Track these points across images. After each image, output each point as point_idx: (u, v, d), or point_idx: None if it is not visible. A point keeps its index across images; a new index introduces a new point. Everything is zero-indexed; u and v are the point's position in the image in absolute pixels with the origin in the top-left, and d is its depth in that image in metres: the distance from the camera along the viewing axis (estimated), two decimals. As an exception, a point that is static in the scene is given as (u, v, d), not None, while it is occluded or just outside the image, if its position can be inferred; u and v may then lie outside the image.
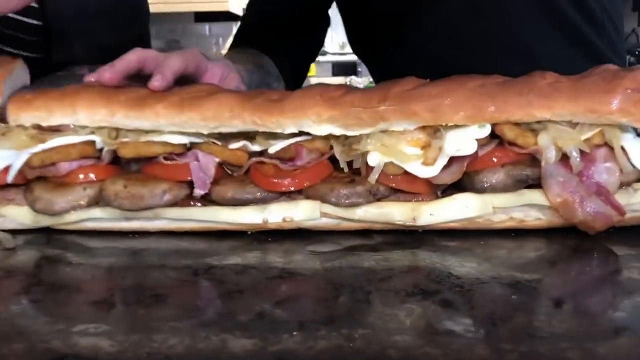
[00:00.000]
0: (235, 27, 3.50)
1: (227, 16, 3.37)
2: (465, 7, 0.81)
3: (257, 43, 0.91)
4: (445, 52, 0.82)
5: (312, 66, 3.53)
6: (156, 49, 0.68)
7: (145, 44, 0.96)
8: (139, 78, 0.57)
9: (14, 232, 0.53)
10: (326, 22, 1.03)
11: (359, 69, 3.27)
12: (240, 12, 3.43)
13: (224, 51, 3.34)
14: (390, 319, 0.39)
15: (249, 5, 1.02)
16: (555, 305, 0.42)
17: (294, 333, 0.37)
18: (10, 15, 0.83)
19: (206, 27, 3.52)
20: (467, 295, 0.42)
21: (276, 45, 0.92)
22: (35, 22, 0.87)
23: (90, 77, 0.55)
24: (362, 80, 3.26)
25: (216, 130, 0.51)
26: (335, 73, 3.47)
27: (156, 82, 0.53)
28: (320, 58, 3.31)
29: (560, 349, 0.35)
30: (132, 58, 0.57)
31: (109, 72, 0.54)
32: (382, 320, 0.39)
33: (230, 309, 0.42)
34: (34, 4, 0.85)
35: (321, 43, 1.06)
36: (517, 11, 0.80)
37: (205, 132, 0.51)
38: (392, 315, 0.39)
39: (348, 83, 3.26)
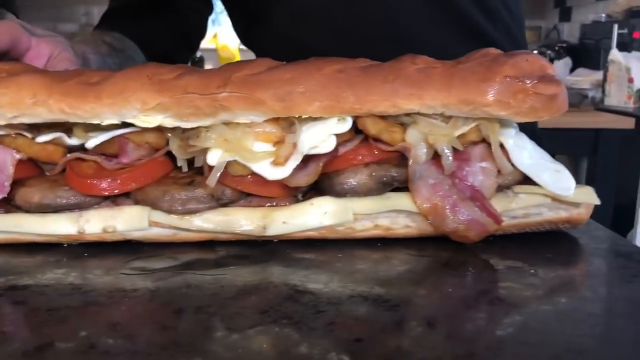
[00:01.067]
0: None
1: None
2: None
3: (120, 27, 0.81)
4: (317, 40, 0.74)
5: (236, 53, 3.42)
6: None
7: None
8: None
9: None
10: (207, 9, 0.95)
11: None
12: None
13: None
14: (238, 346, 0.31)
15: None
16: (427, 326, 0.35)
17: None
18: None
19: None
20: (326, 315, 0.35)
21: (144, 30, 0.83)
22: None
23: None
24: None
25: (16, 121, 0.41)
26: (259, 61, 3.36)
27: None
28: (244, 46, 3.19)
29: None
30: None
31: None
32: (227, 347, 0.31)
33: (47, 336, 0.33)
34: None
35: (202, 31, 0.97)
36: None
37: (2, 122, 0.41)
38: (240, 341, 0.31)
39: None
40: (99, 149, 0.43)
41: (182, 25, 0.92)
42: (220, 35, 3.32)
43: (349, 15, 0.73)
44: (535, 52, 2.41)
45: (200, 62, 3.36)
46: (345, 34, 0.74)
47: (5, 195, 0.41)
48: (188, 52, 0.97)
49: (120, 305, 0.37)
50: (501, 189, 0.43)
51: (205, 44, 3.37)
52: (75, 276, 0.40)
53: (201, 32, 0.99)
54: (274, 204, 0.43)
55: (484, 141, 0.43)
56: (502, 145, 0.42)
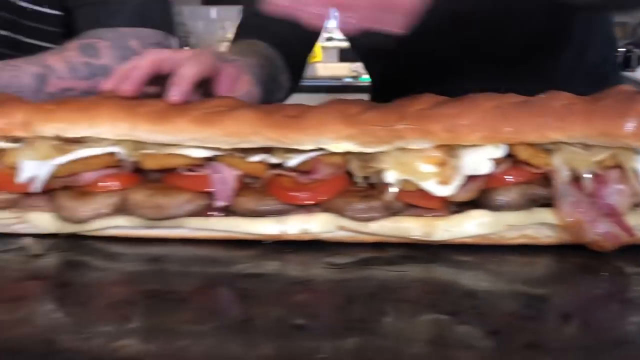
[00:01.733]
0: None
1: (233, 0, 3.35)
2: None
3: (260, 34, 0.88)
4: (448, 53, 0.82)
5: (319, 51, 3.53)
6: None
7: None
8: (155, 80, 0.58)
9: (37, 238, 0.55)
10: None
11: (365, 56, 3.27)
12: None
13: (230, 34, 3.32)
14: (403, 329, 0.41)
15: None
16: (563, 320, 0.44)
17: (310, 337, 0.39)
18: (30, 6, 0.84)
19: (213, 11, 3.50)
20: (479, 308, 0.44)
21: (281, 36, 0.89)
22: (55, 12, 0.87)
23: (108, 85, 0.57)
24: (368, 66, 3.25)
25: (236, 146, 0.52)
26: (341, 59, 3.46)
27: (174, 97, 0.55)
28: (327, 43, 3.30)
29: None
30: (147, 65, 0.58)
31: (128, 85, 0.55)
32: (394, 329, 0.41)
33: (249, 314, 0.44)
34: None
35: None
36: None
37: (226, 147, 0.52)
38: (404, 325, 0.41)
39: (354, 69, 3.25)
40: (293, 168, 0.54)
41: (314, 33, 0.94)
42: (304, 35, 3.44)
43: (482, 33, 0.81)
44: (622, 49, 2.37)
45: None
46: (475, 48, 0.82)
47: (227, 204, 0.53)
48: (310, 53, 1.01)
49: (310, 292, 0.47)
50: (633, 207, 0.51)
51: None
52: (275, 266, 0.51)
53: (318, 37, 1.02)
54: (435, 214, 0.53)
55: (619, 166, 0.51)
56: (634, 170, 0.50)
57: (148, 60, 0.58)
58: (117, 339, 0.39)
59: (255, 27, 0.91)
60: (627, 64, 2.61)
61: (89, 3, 0.84)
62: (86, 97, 0.54)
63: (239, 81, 0.66)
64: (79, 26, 0.85)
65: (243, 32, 0.92)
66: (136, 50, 0.82)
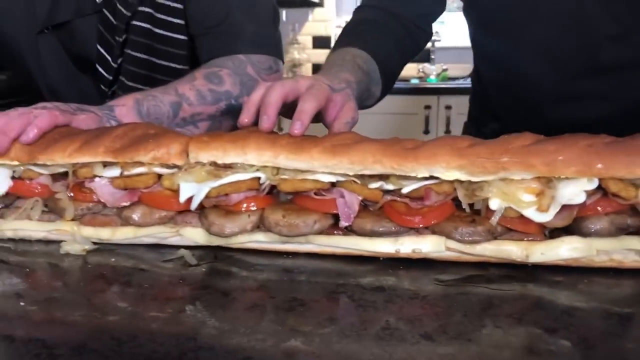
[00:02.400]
0: (310, 13, 3.59)
1: (303, 2, 3.46)
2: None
3: (364, 44, 0.93)
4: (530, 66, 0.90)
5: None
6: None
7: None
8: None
9: (190, 249, 0.66)
10: (429, 34, 1.08)
11: (432, 57, 3.31)
12: (316, 0, 3.51)
13: (300, 36, 3.40)
14: (498, 337, 0.49)
15: (366, 4, 1.04)
16: None
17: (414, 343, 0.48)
18: (164, 33, 0.96)
19: (283, 13, 3.62)
20: (569, 322, 0.51)
21: (386, 49, 0.96)
22: (182, 37, 0.98)
23: (245, 121, 0.67)
24: (435, 67, 3.30)
25: (360, 173, 0.61)
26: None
27: (296, 130, 0.64)
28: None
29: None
30: (277, 101, 0.67)
31: (267, 123, 0.65)
32: (490, 337, 0.49)
33: (362, 320, 0.53)
34: (180, 21, 0.96)
35: (418, 50, 1.08)
36: None
37: (351, 173, 0.61)
38: (500, 333, 0.49)
39: (421, 69, 3.31)
40: (407, 194, 0.62)
41: (406, 43, 1.02)
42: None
43: (563, 46, 0.88)
44: None
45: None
46: (557, 62, 0.89)
47: (350, 224, 0.62)
48: (403, 67, 1.05)
49: (417, 303, 0.55)
50: None
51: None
52: (391, 281, 0.60)
53: (417, 51, 1.06)
54: (531, 239, 0.60)
55: None
56: None
57: (276, 97, 0.68)
58: (249, 336, 0.49)
59: (360, 36, 0.96)
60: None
61: (210, 32, 0.95)
62: (238, 131, 0.64)
63: (345, 108, 0.74)
64: (202, 51, 0.97)
65: (348, 38, 0.96)
66: (252, 75, 0.93)
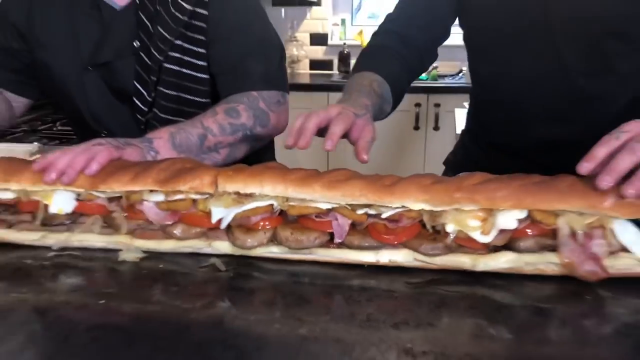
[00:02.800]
0: (308, 12, 3.74)
1: (301, 1, 3.62)
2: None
3: (382, 68, 1.10)
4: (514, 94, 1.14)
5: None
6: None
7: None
8: None
9: (219, 257, 0.86)
10: (435, 56, 1.24)
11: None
12: (313, -1, 3.67)
13: (298, 34, 3.56)
14: (452, 326, 0.69)
15: (385, 28, 1.20)
16: (561, 324, 0.71)
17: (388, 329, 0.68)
18: (190, 72, 1.15)
19: (282, 11, 3.78)
20: (506, 314, 0.71)
21: (399, 73, 1.13)
22: (205, 76, 1.17)
23: (290, 142, 0.86)
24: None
25: (350, 202, 0.81)
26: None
27: (328, 147, 0.84)
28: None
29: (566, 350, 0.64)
30: (313, 127, 0.87)
31: (304, 143, 0.84)
32: (445, 325, 0.69)
33: (350, 312, 0.73)
34: (203, 63, 1.15)
35: (424, 70, 1.26)
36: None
37: (343, 203, 0.81)
38: (453, 323, 0.70)
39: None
40: (385, 218, 0.82)
41: (414, 65, 1.17)
42: (365, 33, 3.69)
43: (544, 78, 1.08)
44: None
45: (347, 57, 3.74)
46: (540, 90, 1.09)
47: (342, 240, 0.82)
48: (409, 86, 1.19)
49: (392, 300, 0.75)
50: (611, 254, 0.77)
51: (350, 40, 3.76)
52: (373, 283, 0.80)
53: (423, 71, 1.21)
54: (478, 253, 0.80)
55: (602, 226, 0.77)
56: (612, 230, 0.76)
57: (313, 124, 0.87)
58: (266, 324, 0.69)
59: (376, 61, 1.13)
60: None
61: (228, 73, 1.14)
62: (256, 166, 0.84)
63: (366, 130, 0.91)
64: (221, 88, 1.16)
65: (365, 63, 1.13)
66: (263, 109, 1.12)
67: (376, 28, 1.22)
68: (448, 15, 1.17)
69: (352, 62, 1.31)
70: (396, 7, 1.21)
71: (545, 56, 1.07)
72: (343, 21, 3.77)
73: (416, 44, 1.18)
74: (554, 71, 1.08)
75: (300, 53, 3.77)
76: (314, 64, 3.89)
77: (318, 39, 3.88)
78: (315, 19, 3.83)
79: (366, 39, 1.28)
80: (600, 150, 0.77)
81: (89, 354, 0.66)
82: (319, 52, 3.88)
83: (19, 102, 1.30)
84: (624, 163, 0.74)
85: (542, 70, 1.09)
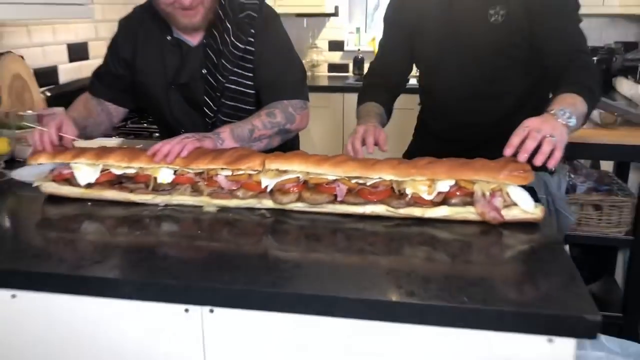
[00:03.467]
0: (327, 21, 4.22)
1: (321, 13, 4.11)
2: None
3: (378, 97, 1.72)
4: (444, 89, 1.68)
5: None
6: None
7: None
8: None
9: (267, 210, 1.37)
10: (406, 83, 1.84)
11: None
12: (331, 11, 4.16)
13: (317, 41, 4.06)
14: (410, 253, 1.18)
15: (372, 75, 1.81)
16: (478, 251, 1.20)
17: (369, 255, 1.17)
18: (241, 88, 1.66)
19: (304, 21, 4.28)
20: (445, 241, 1.20)
21: (388, 100, 1.74)
22: (252, 91, 1.69)
23: (349, 153, 1.38)
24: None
25: (346, 175, 1.30)
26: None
27: (370, 150, 1.37)
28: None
29: (483, 268, 1.13)
30: (359, 145, 1.43)
31: (360, 157, 1.36)
32: (407, 253, 1.18)
33: (347, 245, 1.23)
34: (251, 83, 1.67)
35: (400, 93, 1.86)
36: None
37: (343, 176, 1.31)
38: (412, 252, 1.19)
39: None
40: (370, 185, 1.32)
41: (395, 92, 1.78)
42: (377, 40, 4.16)
43: (461, 82, 1.61)
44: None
45: (361, 61, 4.22)
46: (459, 89, 1.62)
47: (342, 199, 1.32)
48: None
49: (374, 236, 1.25)
50: (505, 207, 1.26)
51: (364, 46, 4.26)
52: (362, 225, 1.30)
53: (400, 93, 1.83)
54: (427, 206, 1.30)
55: (501, 190, 1.25)
56: (507, 192, 1.25)
57: (359, 143, 1.43)
58: (294, 252, 1.19)
59: (372, 95, 1.73)
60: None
61: (267, 87, 1.65)
62: (288, 152, 1.34)
63: (381, 133, 1.47)
64: (262, 98, 1.66)
65: (366, 96, 1.73)
66: (292, 112, 1.62)
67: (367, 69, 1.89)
68: (409, 60, 1.79)
69: (366, 66, 1.89)
70: (376, 58, 1.83)
71: (462, 72, 1.62)
72: (358, 29, 4.26)
73: (393, 79, 1.80)
74: (467, 80, 1.63)
75: (320, 58, 4.27)
76: (332, 68, 4.39)
77: (335, 45, 4.38)
78: (333, 28, 4.32)
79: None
80: (515, 140, 1.25)
81: (179, 273, 1.15)
82: (336, 57, 4.38)
83: (118, 112, 1.81)
84: (531, 145, 1.22)
85: (460, 81, 1.64)
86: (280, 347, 1.04)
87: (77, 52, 2.54)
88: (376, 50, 1.86)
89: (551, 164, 1.20)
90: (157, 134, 2.39)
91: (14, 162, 1.78)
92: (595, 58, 3.42)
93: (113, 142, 1.94)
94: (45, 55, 2.34)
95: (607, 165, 2.92)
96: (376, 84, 1.76)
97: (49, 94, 2.29)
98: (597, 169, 2.84)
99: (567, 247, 2.69)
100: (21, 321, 1.11)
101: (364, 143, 1.47)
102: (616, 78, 3.37)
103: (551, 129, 1.22)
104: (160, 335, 1.08)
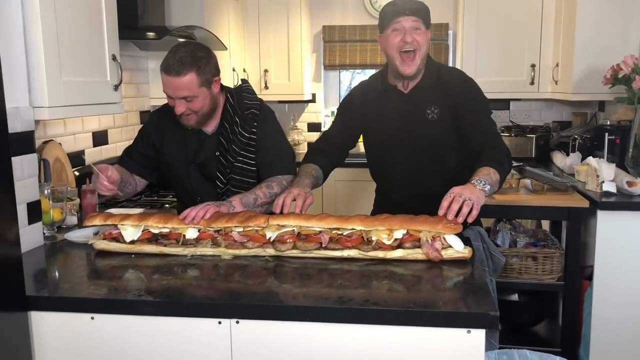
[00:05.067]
0: (306, 106, 4.81)
1: (300, 100, 4.71)
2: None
3: (319, 160, 2.19)
4: (395, 157, 2.17)
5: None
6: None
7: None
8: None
9: (270, 257, 1.83)
10: (346, 155, 2.33)
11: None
12: (309, 98, 4.77)
13: (298, 123, 4.65)
14: (377, 285, 1.65)
15: (320, 142, 2.33)
16: (426, 282, 1.67)
17: (345, 288, 1.64)
18: (246, 166, 2.16)
19: (286, 106, 4.88)
20: (402, 279, 1.67)
21: (328, 163, 2.23)
22: (254, 168, 2.19)
23: (277, 210, 1.86)
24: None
25: (329, 227, 1.79)
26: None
27: (298, 210, 1.84)
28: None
29: (431, 295, 1.61)
30: (289, 202, 1.89)
31: (286, 211, 1.84)
32: (374, 286, 1.66)
33: (330, 281, 1.69)
34: (253, 162, 2.18)
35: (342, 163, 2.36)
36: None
37: (326, 228, 1.79)
38: (378, 285, 1.66)
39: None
40: (346, 234, 1.80)
41: (339, 162, 2.30)
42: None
43: (411, 148, 2.13)
44: (569, 135, 3.55)
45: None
46: (405, 166, 2.13)
47: (325, 245, 1.80)
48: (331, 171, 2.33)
49: (348, 274, 1.72)
50: (443, 248, 1.74)
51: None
52: (338, 265, 1.76)
53: (339, 164, 2.36)
54: (386, 249, 1.77)
55: (439, 236, 1.74)
56: (444, 238, 1.74)
57: (289, 200, 1.89)
58: (294, 288, 1.66)
59: (314, 158, 2.23)
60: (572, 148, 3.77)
61: (266, 166, 2.15)
62: (285, 213, 1.82)
63: (308, 200, 1.94)
64: (262, 173, 2.16)
65: (308, 159, 2.21)
66: (285, 184, 2.11)
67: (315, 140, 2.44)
68: (349, 144, 2.30)
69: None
70: (326, 132, 2.37)
71: (407, 156, 2.15)
72: (332, 113, 4.85)
73: (334, 154, 2.29)
74: (412, 162, 2.15)
75: (300, 138, 4.82)
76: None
77: (313, 127, 4.93)
78: (311, 112, 4.90)
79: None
80: (444, 203, 1.76)
81: (199, 305, 1.61)
82: (314, 137, 4.92)
83: (142, 183, 2.29)
84: (455, 207, 1.72)
85: (406, 163, 2.16)
86: (289, 346, 1.48)
87: (100, 138, 3.04)
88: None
89: (470, 220, 1.71)
90: (167, 205, 2.87)
91: (60, 227, 2.23)
92: (534, 135, 4.04)
93: (136, 211, 2.40)
94: (76, 141, 2.83)
95: (545, 224, 3.46)
96: (320, 150, 2.24)
97: (77, 173, 2.76)
98: (537, 228, 3.37)
99: (515, 295, 3.18)
100: (100, 339, 1.54)
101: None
102: (553, 152, 3.97)
103: (469, 193, 1.73)
104: (199, 344, 1.51)
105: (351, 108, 2.26)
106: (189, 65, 1.96)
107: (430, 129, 2.09)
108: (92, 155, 2.98)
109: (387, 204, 2.27)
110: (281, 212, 1.87)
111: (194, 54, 1.99)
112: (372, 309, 1.43)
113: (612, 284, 2.72)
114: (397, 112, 2.13)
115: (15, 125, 1.85)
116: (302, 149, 4.88)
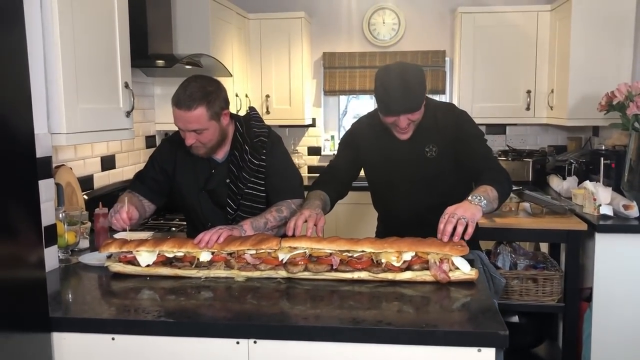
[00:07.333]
0: (306, 131, 4.89)
1: (301, 125, 4.79)
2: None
3: (326, 189, 2.23)
4: (401, 183, 2.24)
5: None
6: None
7: None
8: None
9: (281, 279, 1.88)
10: (350, 187, 2.38)
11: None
12: (309, 122, 4.85)
13: (299, 147, 4.74)
14: (386, 306, 1.71)
15: (325, 174, 2.38)
16: (434, 303, 1.73)
17: (355, 309, 1.70)
18: (255, 192, 2.22)
19: (287, 130, 4.96)
20: (412, 300, 1.72)
21: (334, 193, 2.28)
22: (263, 194, 2.25)
23: (289, 232, 1.92)
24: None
25: (339, 250, 1.85)
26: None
27: (309, 232, 1.89)
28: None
29: (439, 315, 1.67)
30: (300, 223, 1.94)
31: (298, 233, 1.90)
32: (385, 306, 1.71)
33: (340, 302, 1.75)
34: (262, 188, 2.24)
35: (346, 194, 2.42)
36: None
37: (336, 250, 1.85)
38: (388, 306, 1.71)
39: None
40: (356, 256, 1.86)
41: (345, 191, 2.36)
42: (350, 146, 4.83)
43: (412, 185, 2.19)
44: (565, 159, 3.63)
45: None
46: (410, 194, 2.20)
47: (336, 267, 1.85)
48: (339, 200, 2.35)
49: (359, 295, 1.77)
50: (451, 270, 1.80)
51: (339, 151, 4.73)
52: (349, 286, 1.82)
53: (344, 194, 2.42)
54: (396, 271, 1.83)
55: (447, 258, 1.81)
56: (452, 261, 1.80)
57: (300, 222, 1.94)
58: (304, 309, 1.71)
59: (322, 186, 2.29)
60: (568, 172, 3.86)
61: (277, 191, 2.21)
62: (297, 236, 1.88)
63: (321, 220, 2.00)
64: (271, 198, 2.22)
65: (317, 186, 2.26)
66: (294, 208, 2.17)
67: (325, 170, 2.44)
68: (352, 177, 2.36)
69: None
70: (331, 163, 2.39)
71: (408, 191, 2.23)
72: (332, 137, 4.94)
73: (339, 185, 2.33)
74: (413, 197, 2.22)
75: (301, 162, 4.89)
76: (311, 170, 5.02)
77: (314, 150, 5.01)
78: (311, 136, 4.99)
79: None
80: (440, 224, 1.82)
81: (217, 326, 1.66)
82: (314, 160, 5.01)
83: (150, 208, 2.34)
84: (448, 229, 1.79)
85: (407, 197, 2.22)
86: (302, 365, 1.53)
87: (108, 163, 3.10)
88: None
89: (466, 237, 1.78)
90: (173, 228, 2.91)
91: (73, 250, 2.27)
92: (531, 160, 4.13)
93: (145, 234, 2.45)
94: (85, 166, 2.88)
95: (544, 247, 3.52)
96: (327, 181, 2.31)
97: (86, 197, 2.81)
98: (536, 250, 3.44)
99: (516, 317, 3.23)
100: (120, 357, 1.58)
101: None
102: (549, 175, 4.05)
103: (463, 211, 1.80)
104: (217, 363, 1.56)
105: (352, 145, 2.34)
106: (199, 100, 2.03)
107: (430, 167, 2.20)
108: (101, 179, 3.03)
109: (389, 233, 2.34)
110: (293, 235, 1.92)
111: (204, 89, 2.06)
112: (385, 329, 1.48)
113: (610, 305, 2.78)
114: (397, 153, 2.23)
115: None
116: (303, 172, 4.95)
